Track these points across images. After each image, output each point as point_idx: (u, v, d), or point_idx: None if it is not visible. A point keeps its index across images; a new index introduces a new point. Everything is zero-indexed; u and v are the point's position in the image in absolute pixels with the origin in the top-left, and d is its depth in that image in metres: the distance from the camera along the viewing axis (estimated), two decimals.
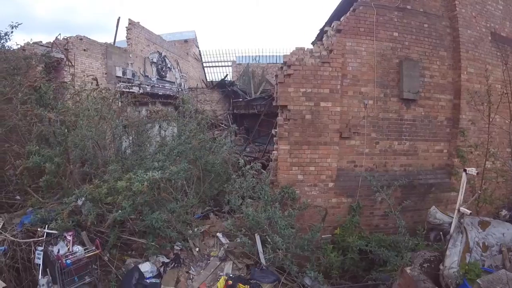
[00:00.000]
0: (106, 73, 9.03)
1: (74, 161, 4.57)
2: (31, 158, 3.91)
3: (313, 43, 14.87)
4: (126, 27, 10.67)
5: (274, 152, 5.13)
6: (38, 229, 3.74)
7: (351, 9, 5.23)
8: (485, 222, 4.42)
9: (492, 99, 5.27)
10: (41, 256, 3.54)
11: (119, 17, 12.05)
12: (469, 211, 3.98)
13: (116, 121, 4.91)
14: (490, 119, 4.99)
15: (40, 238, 3.67)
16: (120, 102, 5.75)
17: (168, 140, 5.29)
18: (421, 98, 5.51)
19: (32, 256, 3.61)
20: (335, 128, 4.96)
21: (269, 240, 4.74)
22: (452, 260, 3.79)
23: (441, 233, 4.82)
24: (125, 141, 5.26)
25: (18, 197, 4.79)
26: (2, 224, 3.86)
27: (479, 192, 4.60)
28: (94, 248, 3.74)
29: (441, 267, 3.83)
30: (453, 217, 4.33)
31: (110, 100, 5.32)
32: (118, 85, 8.89)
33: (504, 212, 5.56)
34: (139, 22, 11.40)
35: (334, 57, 4.93)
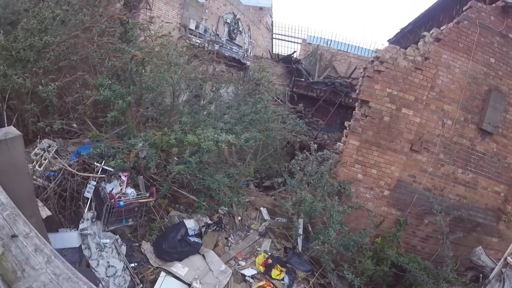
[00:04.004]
0: (180, 23, 8.90)
1: (144, 104, 4.45)
2: (102, 91, 3.74)
3: (389, 41, 14.42)
4: None
5: (339, 144, 4.99)
6: (96, 163, 3.60)
7: (455, 21, 4.94)
8: None
9: None
10: (91, 191, 3.43)
11: None
12: None
13: (192, 74, 4.77)
14: None
15: (98, 175, 3.51)
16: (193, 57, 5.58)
17: (229, 102, 5.11)
18: (498, 134, 5.24)
19: (83, 188, 3.49)
20: (409, 138, 4.77)
21: (309, 229, 4.67)
22: None
23: (481, 275, 4.70)
24: (192, 95, 5.14)
25: (74, 125, 4.68)
26: (55, 149, 3.71)
27: None
28: (148, 194, 3.63)
29: None
30: (496, 263, 4.23)
31: (186, 52, 5.18)
32: (190, 37, 8.70)
33: None
34: None
35: (428, 65, 4.70)
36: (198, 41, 8.59)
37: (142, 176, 3.86)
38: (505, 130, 5.32)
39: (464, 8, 5.17)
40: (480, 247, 4.96)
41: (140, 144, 3.70)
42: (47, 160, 3.46)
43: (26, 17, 4.43)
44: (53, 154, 3.60)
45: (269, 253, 4.25)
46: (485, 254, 4.86)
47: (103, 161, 3.59)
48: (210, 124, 4.37)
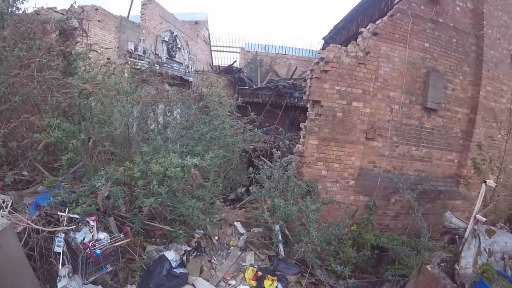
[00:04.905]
0: (118, 47, 8.65)
1: (98, 139, 4.29)
2: (51, 132, 3.51)
3: (324, 39, 15.03)
4: (142, 2, 10.24)
5: (298, 145, 5.19)
6: (59, 213, 3.36)
7: (389, 14, 5.33)
8: (491, 230, 4.71)
9: (505, 117, 5.62)
10: (61, 244, 3.19)
11: None
12: (484, 219, 4.27)
13: (143, 99, 4.70)
14: (506, 137, 5.29)
15: (65, 227, 3.27)
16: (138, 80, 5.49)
17: (183, 123, 5.08)
18: (442, 109, 5.75)
19: (51, 243, 3.23)
20: (363, 129, 5.09)
21: (287, 232, 4.83)
22: (467, 261, 4.05)
23: (456, 236, 5.04)
24: (149, 121, 5.07)
25: (25, 173, 4.39)
26: (10, 203, 3.42)
27: (494, 202, 4.90)
28: (122, 235, 3.48)
29: (456, 267, 4.07)
30: (467, 223, 4.65)
31: (133, 77, 5.10)
32: (130, 60, 8.55)
33: (501, 224, 5.98)
34: None
35: (370, 59, 5.04)
36: (140, 64, 8.51)
37: (112, 218, 3.75)
38: (447, 104, 5.84)
39: (395, 1, 5.59)
40: (449, 212, 5.43)
41: (104, 183, 3.57)
42: (4, 219, 3.26)
43: None
44: (10, 210, 3.34)
45: (256, 266, 4.31)
46: (455, 217, 5.32)
47: (67, 209, 3.38)
48: (170, 149, 4.34)
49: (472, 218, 4.33)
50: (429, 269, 3.95)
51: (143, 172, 3.61)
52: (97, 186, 3.41)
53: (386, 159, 5.39)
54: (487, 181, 4.35)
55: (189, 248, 4.27)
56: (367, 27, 5.35)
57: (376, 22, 5.34)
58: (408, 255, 4.65)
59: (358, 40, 5.28)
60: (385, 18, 5.29)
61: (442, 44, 5.65)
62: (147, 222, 4.07)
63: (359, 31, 5.46)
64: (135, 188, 3.83)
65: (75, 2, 7.34)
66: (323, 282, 4.49)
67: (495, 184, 4.34)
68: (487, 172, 5.59)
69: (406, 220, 5.61)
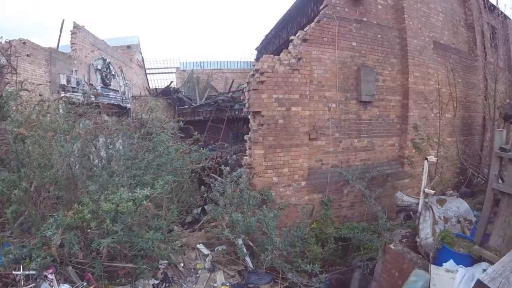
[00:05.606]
0: (50, 81, 8.09)
1: (40, 185, 4.03)
2: None
3: (257, 49, 15.53)
4: (71, 31, 9.69)
5: (246, 157, 5.28)
6: (14, 272, 3.15)
7: (316, 20, 5.65)
8: (441, 199, 5.13)
9: (435, 98, 6.25)
10: None
11: (63, 20, 10.93)
12: (433, 191, 4.68)
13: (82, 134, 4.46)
14: (438, 115, 5.89)
15: (27, 286, 3.07)
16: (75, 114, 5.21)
17: (124, 154, 4.95)
18: (376, 100, 6.23)
19: None
20: (305, 131, 5.34)
21: (250, 243, 4.90)
22: (426, 232, 4.31)
23: (411, 212, 5.42)
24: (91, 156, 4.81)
25: None
26: None
27: (438, 175, 5.40)
28: (85, 283, 3.33)
29: (417, 239, 4.31)
30: (418, 198, 4.98)
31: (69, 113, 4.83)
32: (63, 94, 8.06)
33: (451, 191, 6.59)
34: (84, 26, 10.45)
35: (303, 64, 5.29)
36: (75, 97, 8.13)
37: (70, 266, 3.53)
38: (380, 95, 6.34)
39: (321, 7, 5.93)
40: (399, 191, 5.85)
41: (55, 231, 3.36)
42: None
43: None
44: None
45: (228, 283, 4.30)
46: (406, 195, 5.74)
47: (21, 267, 3.21)
48: (118, 183, 4.19)
49: (421, 193, 4.66)
50: (393, 247, 4.19)
51: (94, 212, 3.47)
52: (48, 235, 3.25)
53: (332, 155, 5.70)
54: (428, 157, 4.78)
55: (156, 281, 4.15)
56: (297, 35, 5.62)
57: (305, 29, 5.64)
58: (371, 239, 4.95)
59: (289, 47, 5.53)
60: (312, 24, 5.60)
61: (368, 41, 6.12)
62: (108, 263, 3.90)
63: (290, 39, 5.71)
64: (89, 230, 3.67)
65: (1, 37, 6.76)
66: (297, 283, 4.61)
67: (436, 158, 4.79)
68: (427, 149, 6.12)
69: (361, 207, 5.97)
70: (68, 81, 8.86)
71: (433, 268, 3.43)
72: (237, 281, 4.46)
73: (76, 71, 9.40)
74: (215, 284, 4.41)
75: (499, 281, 0.88)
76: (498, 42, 8.16)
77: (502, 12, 8.74)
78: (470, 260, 3.50)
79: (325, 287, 4.88)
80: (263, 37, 13.59)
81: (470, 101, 7.90)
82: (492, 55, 7.97)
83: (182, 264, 4.61)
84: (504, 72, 7.25)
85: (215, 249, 4.92)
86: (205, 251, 4.91)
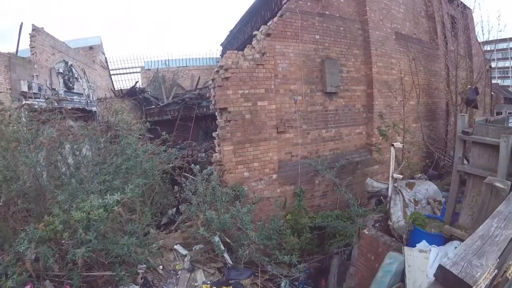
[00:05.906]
0: (10, 89, 7.57)
1: (8, 198, 3.82)
2: None
3: (222, 45, 15.45)
4: (30, 34, 9.06)
5: (215, 154, 5.28)
6: None
7: (278, 14, 5.72)
8: (410, 183, 5.40)
9: (398, 86, 6.55)
10: None
11: (22, 23, 10.18)
12: (401, 176, 4.90)
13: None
14: (402, 102, 6.18)
15: None
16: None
17: (92, 159, 4.81)
18: (341, 90, 6.44)
19: None
20: (273, 124, 5.41)
21: (227, 240, 4.93)
22: (397, 215, 4.54)
23: (382, 197, 5.66)
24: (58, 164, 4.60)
25: None
26: None
27: (406, 160, 5.68)
28: None
29: (389, 223, 4.53)
30: (387, 183, 5.22)
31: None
32: (24, 102, 7.59)
33: (419, 175, 6.96)
34: (43, 28, 9.85)
35: (266, 59, 5.35)
36: (37, 103, 7.74)
37: (47, 280, 3.39)
38: (345, 85, 6.56)
39: (284, 2, 6.01)
40: (369, 178, 6.10)
41: (28, 245, 3.21)
42: None
43: None
44: None
45: (209, 282, 4.28)
46: (375, 181, 5.98)
47: None
48: (88, 190, 4.06)
49: (390, 178, 4.91)
50: (366, 232, 4.36)
51: (65, 222, 3.36)
52: (21, 251, 3.12)
53: (301, 146, 5.84)
54: (394, 144, 5.03)
55: (137, 287, 4.08)
56: (260, 29, 5.67)
57: (268, 23, 5.69)
58: (345, 226, 5.11)
59: (253, 42, 5.57)
60: (275, 18, 5.66)
61: (331, 33, 6.29)
62: (86, 273, 3.78)
63: (253, 34, 5.75)
64: (62, 242, 3.53)
65: None
66: (277, 275, 4.70)
67: (402, 144, 5.02)
68: (393, 136, 6.41)
69: (334, 196, 6.17)
70: (30, 87, 8.34)
71: (406, 249, 3.54)
72: (217, 278, 4.47)
73: (37, 76, 8.86)
74: (196, 284, 4.40)
75: (461, 265, 0.95)
76: (458, 31, 8.65)
77: (461, 2, 9.29)
78: (442, 240, 3.62)
79: (304, 276, 5.04)
80: (228, 33, 13.52)
81: (433, 88, 8.36)
82: (452, 43, 8.38)
83: (161, 267, 4.56)
84: (464, 59, 7.72)
85: (193, 249, 4.90)
86: (183, 251, 4.87)
